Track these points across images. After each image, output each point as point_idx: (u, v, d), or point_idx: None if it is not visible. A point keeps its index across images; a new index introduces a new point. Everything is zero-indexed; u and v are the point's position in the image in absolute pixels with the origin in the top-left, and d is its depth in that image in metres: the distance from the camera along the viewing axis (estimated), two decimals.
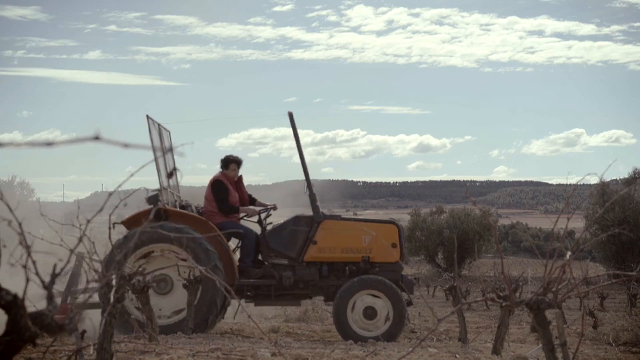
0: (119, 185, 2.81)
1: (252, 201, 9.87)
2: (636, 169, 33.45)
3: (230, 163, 9.59)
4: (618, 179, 34.48)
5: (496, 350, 7.30)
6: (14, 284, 2.35)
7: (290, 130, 9.34)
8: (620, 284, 20.13)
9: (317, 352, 6.66)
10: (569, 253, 3.36)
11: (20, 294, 2.18)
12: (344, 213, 10.03)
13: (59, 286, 8.39)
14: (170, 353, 5.84)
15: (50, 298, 2.36)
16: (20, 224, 2.21)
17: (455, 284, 9.50)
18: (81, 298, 7.04)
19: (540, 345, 3.44)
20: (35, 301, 2.59)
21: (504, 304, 3.54)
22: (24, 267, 2.24)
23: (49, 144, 1.74)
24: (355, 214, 10.81)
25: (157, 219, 8.94)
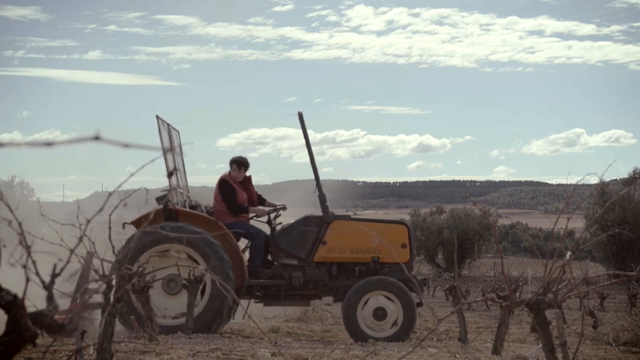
0: (119, 185, 2.81)
1: (262, 201, 9.86)
2: (636, 169, 33.47)
3: (232, 164, 9.61)
4: (618, 179, 34.47)
5: (496, 350, 7.30)
6: (15, 284, 2.35)
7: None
8: (620, 284, 20.13)
9: (317, 352, 6.66)
10: (569, 253, 3.36)
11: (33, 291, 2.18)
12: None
13: (70, 286, 8.38)
14: (170, 353, 5.83)
15: (50, 298, 2.37)
16: (20, 224, 2.21)
17: (455, 284, 9.51)
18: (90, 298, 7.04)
19: (540, 345, 3.44)
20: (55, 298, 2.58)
21: (504, 304, 3.54)
22: (24, 267, 2.24)
23: (49, 144, 1.74)
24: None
25: (167, 219, 8.95)
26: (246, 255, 9.45)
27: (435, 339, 9.54)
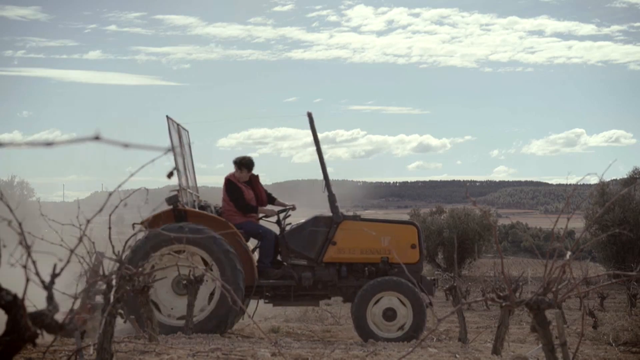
0: (119, 185, 2.81)
1: (272, 200, 9.83)
2: (636, 169, 33.44)
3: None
4: (618, 179, 34.45)
5: (496, 350, 7.30)
6: (15, 284, 2.36)
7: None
8: (620, 284, 20.13)
9: (317, 352, 6.66)
10: (569, 253, 3.36)
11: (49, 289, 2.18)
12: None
13: (80, 286, 8.34)
14: (170, 353, 5.84)
15: (50, 298, 2.37)
16: (20, 224, 2.21)
17: (455, 284, 9.51)
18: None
19: (540, 345, 3.44)
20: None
21: (504, 304, 3.54)
22: (24, 267, 2.24)
23: (49, 144, 1.74)
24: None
25: (176, 219, 8.94)
26: (255, 256, 9.45)
27: (435, 339, 9.54)
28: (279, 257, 9.53)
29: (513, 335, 9.93)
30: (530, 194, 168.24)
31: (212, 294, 8.93)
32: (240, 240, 8.99)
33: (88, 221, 2.99)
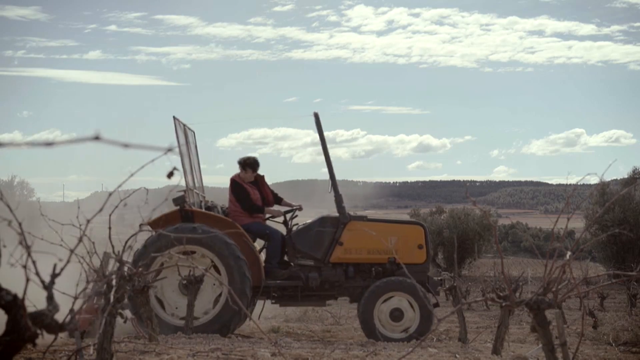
0: (119, 185, 2.81)
1: (278, 200, 9.83)
2: (636, 169, 33.43)
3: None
4: (618, 179, 34.45)
5: (496, 350, 7.30)
6: (15, 284, 2.35)
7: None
8: (620, 284, 20.13)
9: (317, 352, 6.66)
10: (569, 253, 3.36)
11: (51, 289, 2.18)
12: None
13: (80, 286, 8.33)
14: (170, 353, 5.84)
15: (50, 298, 2.37)
16: (20, 224, 2.21)
17: (455, 284, 9.51)
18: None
19: (540, 345, 3.44)
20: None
21: (504, 304, 3.54)
22: (24, 267, 2.24)
23: (49, 144, 1.74)
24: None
25: (183, 220, 8.93)
26: (262, 256, 9.44)
27: (435, 339, 9.54)
28: (285, 258, 9.52)
29: (513, 335, 9.93)
30: (530, 194, 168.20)
31: (217, 298, 8.93)
32: (247, 241, 8.98)
33: (88, 221, 2.99)
